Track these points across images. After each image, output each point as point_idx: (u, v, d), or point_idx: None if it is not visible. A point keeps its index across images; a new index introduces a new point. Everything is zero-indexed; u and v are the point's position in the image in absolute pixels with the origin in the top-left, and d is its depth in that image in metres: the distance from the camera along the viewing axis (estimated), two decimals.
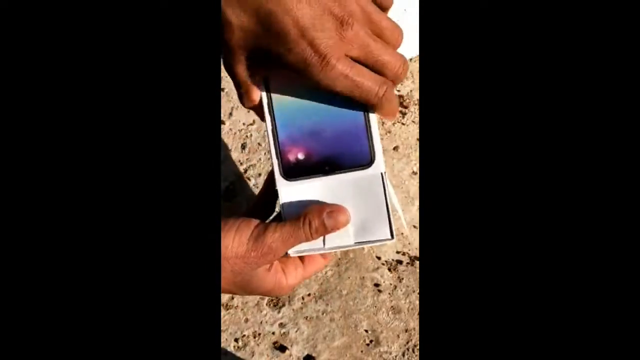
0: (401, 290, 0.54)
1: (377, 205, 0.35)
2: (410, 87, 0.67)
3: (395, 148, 0.63)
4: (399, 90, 0.67)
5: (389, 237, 0.34)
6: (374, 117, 0.34)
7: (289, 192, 0.35)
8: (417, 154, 0.63)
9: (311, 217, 0.33)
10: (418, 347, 0.51)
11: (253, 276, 0.34)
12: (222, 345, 0.52)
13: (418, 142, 0.64)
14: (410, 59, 0.64)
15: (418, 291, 0.53)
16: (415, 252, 0.56)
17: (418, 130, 0.64)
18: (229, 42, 0.30)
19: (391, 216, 0.35)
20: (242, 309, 0.54)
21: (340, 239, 0.34)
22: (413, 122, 0.65)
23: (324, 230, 0.33)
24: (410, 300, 0.54)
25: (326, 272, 0.56)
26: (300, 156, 0.35)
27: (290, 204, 0.35)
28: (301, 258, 0.37)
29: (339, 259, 0.55)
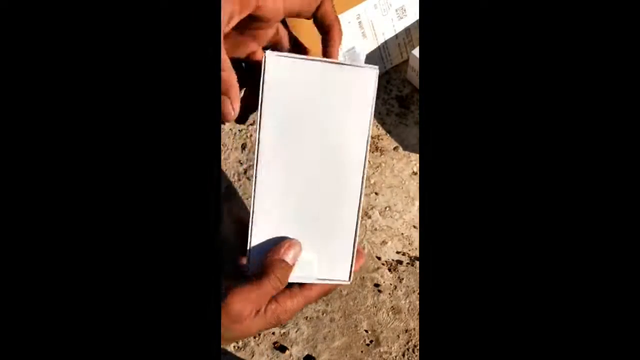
0: (401, 291, 0.54)
1: (344, 246, 0.36)
2: (410, 87, 0.67)
3: (395, 148, 0.63)
4: (400, 91, 0.67)
5: (347, 280, 0.36)
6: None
7: (260, 231, 0.35)
8: (417, 154, 0.63)
9: (273, 269, 0.33)
10: (418, 347, 0.51)
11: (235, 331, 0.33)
12: (222, 345, 0.52)
13: (418, 143, 0.64)
14: (407, 60, 0.64)
15: (418, 291, 0.53)
16: (415, 252, 0.56)
17: (418, 131, 0.64)
18: None
19: (354, 260, 0.36)
20: None
21: (303, 273, 0.35)
22: (414, 122, 0.65)
23: (289, 270, 0.34)
24: (410, 301, 0.54)
25: None
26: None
27: (259, 247, 0.35)
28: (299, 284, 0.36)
29: None
